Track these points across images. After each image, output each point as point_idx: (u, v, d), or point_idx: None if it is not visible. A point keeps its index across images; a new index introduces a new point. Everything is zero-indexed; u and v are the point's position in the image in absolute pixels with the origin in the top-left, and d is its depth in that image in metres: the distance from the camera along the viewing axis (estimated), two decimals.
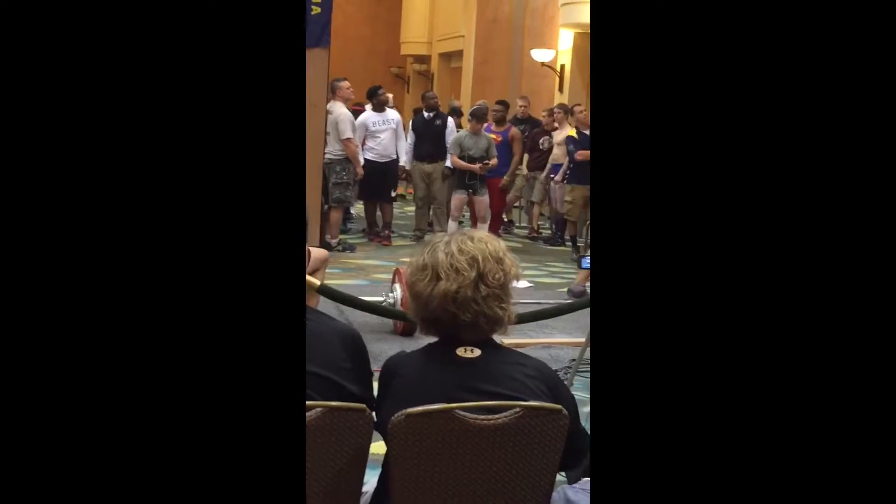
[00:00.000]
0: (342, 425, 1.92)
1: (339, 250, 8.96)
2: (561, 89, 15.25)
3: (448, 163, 9.62)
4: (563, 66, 15.40)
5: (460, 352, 2.03)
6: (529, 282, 7.79)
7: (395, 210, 10.52)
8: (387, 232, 9.97)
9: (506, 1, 17.16)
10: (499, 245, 2.10)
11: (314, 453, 1.84)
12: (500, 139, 10.08)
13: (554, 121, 10.71)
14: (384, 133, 9.76)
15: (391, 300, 5.81)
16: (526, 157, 10.90)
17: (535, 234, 11.07)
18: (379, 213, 10.11)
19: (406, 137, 10.09)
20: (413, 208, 10.73)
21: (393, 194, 10.28)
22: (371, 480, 2.15)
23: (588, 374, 5.04)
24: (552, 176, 10.41)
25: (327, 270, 5.60)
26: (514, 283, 2.11)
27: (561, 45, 15.43)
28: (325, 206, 8.80)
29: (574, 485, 2.20)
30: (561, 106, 11.15)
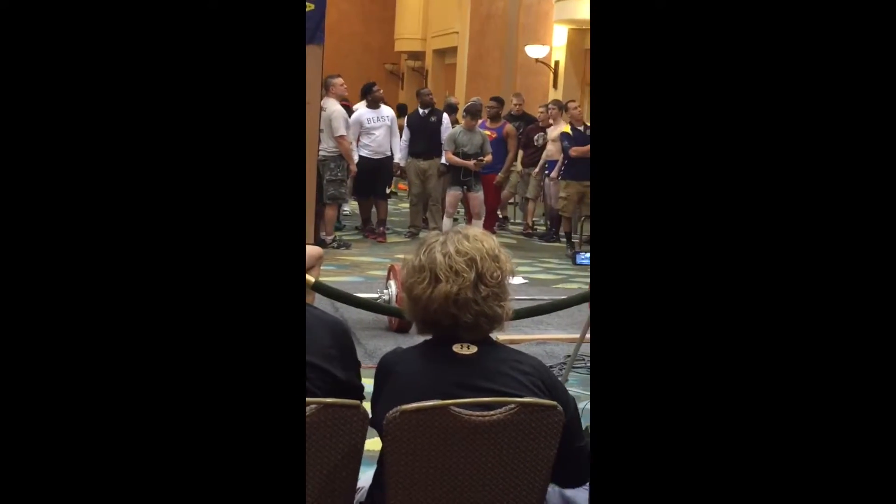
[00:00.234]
0: (337, 422, 1.92)
1: (333, 247, 8.96)
2: (555, 85, 15.25)
3: (443, 159, 9.61)
4: (557, 63, 15.40)
5: (456, 348, 2.03)
6: (524, 278, 7.79)
7: (389, 207, 10.52)
8: (382, 229, 9.97)
9: None
10: (493, 242, 2.10)
11: (309, 450, 1.84)
12: (494, 136, 10.08)
13: (549, 117, 10.71)
14: (379, 130, 9.75)
15: (386, 297, 5.81)
16: (520, 153, 10.91)
17: (530, 231, 11.08)
18: (374, 209, 10.11)
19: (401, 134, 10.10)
20: (407, 205, 10.73)
21: (388, 191, 10.28)
22: (366, 476, 2.15)
23: (583, 371, 5.05)
24: (547, 172, 10.41)
25: (322, 267, 5.59)
26: (510, 280, 2.11)
27: (555, 42, 15.43)
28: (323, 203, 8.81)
29: None
30: (555, 102, 11.15)
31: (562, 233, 10.18)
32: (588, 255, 4.54)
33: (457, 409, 1.88)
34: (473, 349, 2.03)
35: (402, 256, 2.35)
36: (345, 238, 9.53)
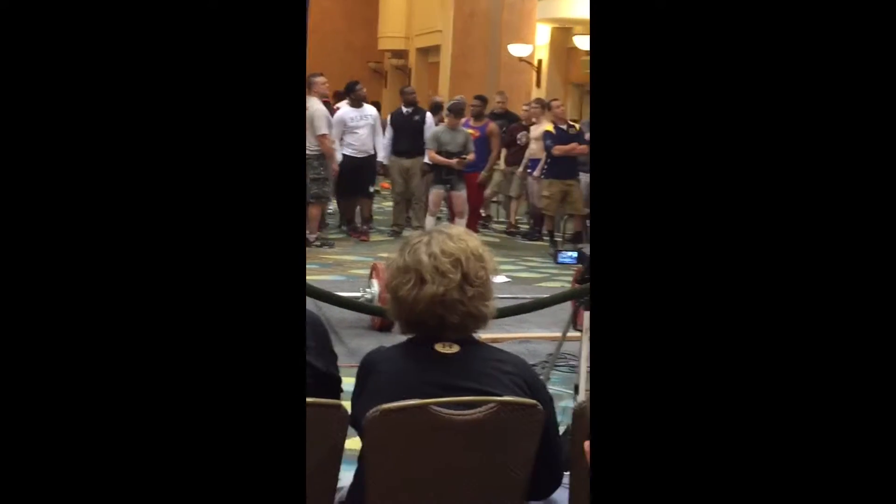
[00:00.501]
0: (317, 421, 1.91)
1: (316, 246, 8.94)
2: (538, 84, 15.28)
3: (426, 158, 9.61)
4: (540, 61, 15.42)
5: (438, 347, 2.03)
6: (507, 276, 7.80)
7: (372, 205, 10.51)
8: (365, 227, 9.95)
9: None
10: (477, 241, 2.10)
11: None
12: (477, 134, 10.08)
13: (531, 115, 10.72)
14: (362, 128, 9.74)
15: (369, 296, 5.80)
16: (504, 151, 10.91)
17: (513, 230, 11.09)
18: (358, 207, 10.09)
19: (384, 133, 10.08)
20: (390, 203, 10.72)
21: (372, 189, 10.27)
22: (347, 476, 2.15)
23: (565, 369, 5.06)
24: (530, 171, 10.42)
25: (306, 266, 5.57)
26: (493, 278, 2.12)
27: (538, 40, 15.45)
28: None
29: None
30: (538, 101, 11.16)
31: (545, 231, 10.19)
32: (569, 254, 4.54)
33: (437, 408, 1.88)
34: (455, 348, 2.03)
35: (384, 255, 2.35)
36: (329, 237, 9.51)
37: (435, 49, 19.48)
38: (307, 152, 8.78)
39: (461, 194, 9.37)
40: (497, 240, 10.40)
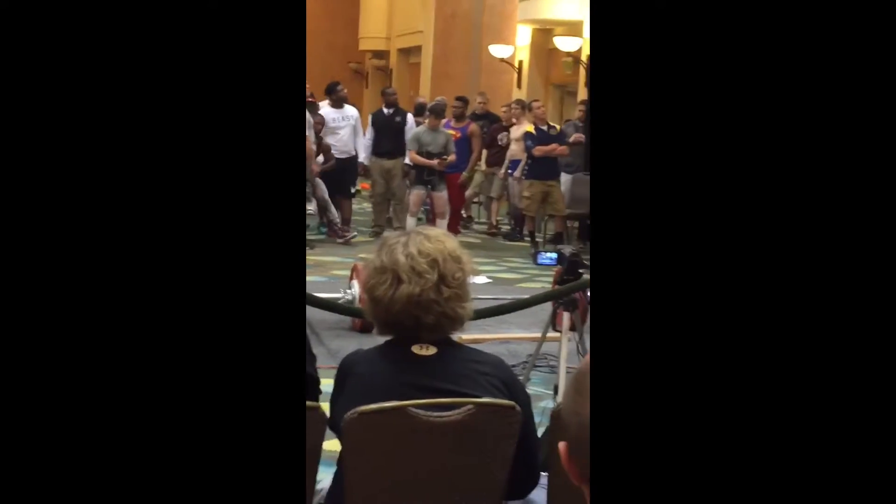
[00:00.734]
0: None
1: None
2: (519, 85, 15.31)
3: (407, 159, 9.60)
4: (521, 63, 15.45)
5: (416, 349, 2.03)
6: (488, 277, 7.81)
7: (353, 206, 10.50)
8: (346, 228, 9.94)
9: None
10: (455, 243, 2.11)
11: None
12: (458, 135, 10.09)
13: (511, 116, 10.73)
14: (343, 129, 9.73)
15: (349, 297, 5.79)
16: (485, 152, 10.92)
17: (494, 230, 11.10)
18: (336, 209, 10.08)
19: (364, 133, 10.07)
20: (369, 204, 10.71)
21: (353, 190, 10.26)
22: (326, 478, 2.15)
23: (545, 370, 5.07)
24: (510, 172, 10.43)
25: None
26: (472, 279, 2.12)
27: (519, 41, 15.48)
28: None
29: None
30: (519, 102, 11.18)
31: (526, 232, 10.21)
32: (549, 255, 4.55)
33: (414, 410, 1.89)
34: (433, 350, 2.03)
35: (364, 256, 2.35)
36: (309, 238, 9.48)
37: (416, 50, 19.47)
38: None
39: (442, 195, 9.37)
40: (478, 240, 10.41)
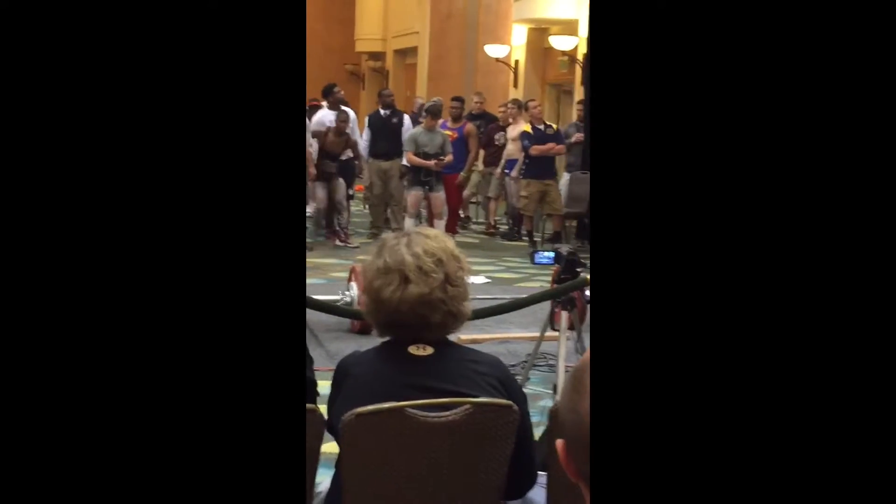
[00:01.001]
0: None
1: None
2: (515, 85, 15.30)
3: (404, 160, 9.61)
4: (517, 62, 15.45)
5: (412, 349, 2.03)
6: (487, 277, 7.81)
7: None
8: (344, 230, 9.94)
9: None
10: (452, 242, 2.11)
11: None
12: (455, 135, 10.09)
13: (508, 115, 10.73)
14: None
15: (348, 299, 5.79)
16: (482, 152, 10.92)
17: (492, 230, 11.10)
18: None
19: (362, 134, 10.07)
20: (366, 206, 10.71)
21: (351, 192, 10.26)
22: (324, 480, 2.15)
23: (544, 369, 5.07)
24: (507, 171, 10.43)
25: None
26: (470, 279, 2.13)
27: (515, 41, 15.48)
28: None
29: None
30: (515, 101, 11.18)
31: (524, 231, 10.21)
32: (546, 254, 4.55)
33: (412, 411, 1.88)
34: (430, 350, 2.03)
35: (363, 258, 2.35)
36: (307, 240, 9.48)
37: (412, 51, 19.47)
38: None
39: (440, 195, 9.37)
40: (476, 240, 10.41)
